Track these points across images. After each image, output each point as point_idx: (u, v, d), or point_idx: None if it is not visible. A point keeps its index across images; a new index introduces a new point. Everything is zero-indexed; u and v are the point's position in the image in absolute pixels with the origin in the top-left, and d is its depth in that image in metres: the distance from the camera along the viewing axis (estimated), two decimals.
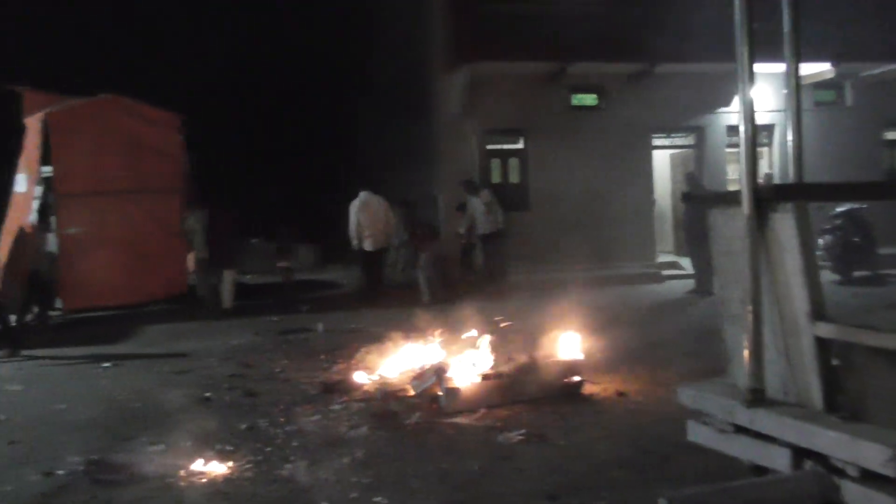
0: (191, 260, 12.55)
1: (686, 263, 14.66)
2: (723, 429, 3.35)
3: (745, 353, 3.22)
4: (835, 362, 3.17)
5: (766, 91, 15.44)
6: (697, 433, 3.53)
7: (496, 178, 15.85)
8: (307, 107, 22.32)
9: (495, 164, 16.03)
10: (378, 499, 4.65)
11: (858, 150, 16.11)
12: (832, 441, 2.90)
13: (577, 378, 6.92)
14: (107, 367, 8.73)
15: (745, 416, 3.24)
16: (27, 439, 6.08)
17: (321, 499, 4.67)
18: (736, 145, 17.04)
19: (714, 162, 16.55)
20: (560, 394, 6.73)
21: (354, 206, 12.85)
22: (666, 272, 15.33)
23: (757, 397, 3.23)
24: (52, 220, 12.39)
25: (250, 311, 12.41)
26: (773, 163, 16.96)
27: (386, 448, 5.59)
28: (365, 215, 12.78)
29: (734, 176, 16.60)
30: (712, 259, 3.63)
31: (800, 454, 3.06)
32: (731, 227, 3.39)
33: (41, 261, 11.81)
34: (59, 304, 12.21)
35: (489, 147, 15.87)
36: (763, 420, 3.17)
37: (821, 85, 16.19)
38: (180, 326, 11.31)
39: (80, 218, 12.25)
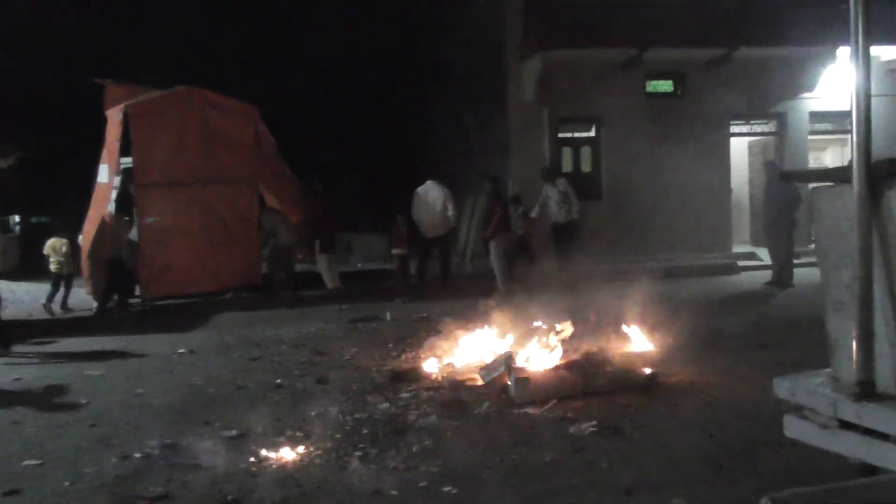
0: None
1: (764, 254, 14.19)
2: (826, 424, 3.12)
3: (853, 342, 3.01)
4: None
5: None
6: (796, 428, 3.28)
7: (567, 166, 15.60)
8: (382, 96, 22.41)
9: (567, 152, 15.78)
10: (447, 488, 4.59)
11: None
12: None
13: (650, 370, 6.75)
14: (183, 353, 8.89)
15: (852, 411, 2.99)
16: (106, 423, 6.21)
17: (390, 487, 4.63)
18: (819, 132, 16.57)
19: (795, 150, 15.94)
20: (633, 385, 6.56)
21: (416, 194, 12.91)
22: (742, 263, 14.87)
23: (866, 390, 2.98)
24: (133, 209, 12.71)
25: (322, 301, 12.50)
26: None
27: (455, 437, 5.51)
28: (422, 202, 12.80)
29: (816, 164, 15.99)
30: (815, 242, 3.37)
31: None
32: (837, 207, 3.14)
33: (122, 249, 12.18)
34: (138, 291, 12.54)
35: (561, 135, 15.63)
36: (873, 415, 2.92)
37: None
38: (254, 314, 11.48)
39: (158, 208, 12.46)
